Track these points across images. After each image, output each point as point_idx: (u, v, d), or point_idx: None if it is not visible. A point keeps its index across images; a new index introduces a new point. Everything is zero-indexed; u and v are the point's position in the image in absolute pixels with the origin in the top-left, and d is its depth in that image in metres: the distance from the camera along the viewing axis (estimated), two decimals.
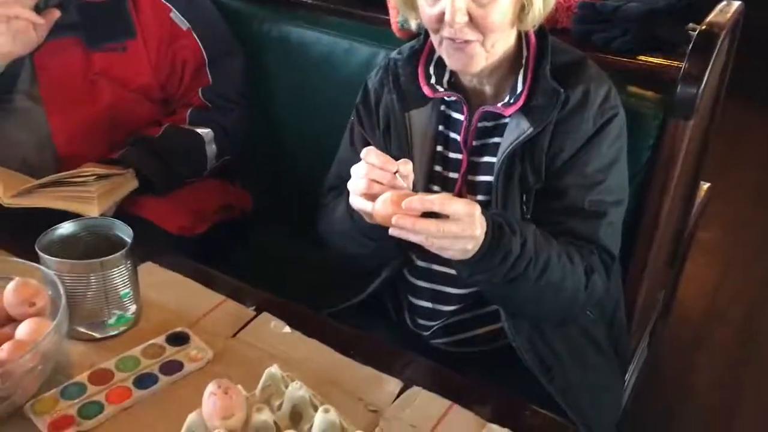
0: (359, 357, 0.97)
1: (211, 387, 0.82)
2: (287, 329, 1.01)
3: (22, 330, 0.87)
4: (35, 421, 0.85)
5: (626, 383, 1.36)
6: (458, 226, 0.86)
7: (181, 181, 1.45)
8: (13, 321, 0.90)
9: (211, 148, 1.46)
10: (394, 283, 1.22)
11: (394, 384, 0.93)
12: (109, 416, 0.87)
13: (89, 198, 1.17)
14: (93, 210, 1.16)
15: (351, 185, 0.92)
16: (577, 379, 1.10)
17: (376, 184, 0.89)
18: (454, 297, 1.16)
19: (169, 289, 1.09)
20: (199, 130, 1.44)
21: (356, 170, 0.92)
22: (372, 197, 0.89)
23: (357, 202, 0.92)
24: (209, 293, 1.08)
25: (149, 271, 1.10)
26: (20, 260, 0.95)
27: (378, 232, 0.97)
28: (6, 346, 0.83)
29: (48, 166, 1.33)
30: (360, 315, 1.21)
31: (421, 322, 1.21)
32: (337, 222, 1.10)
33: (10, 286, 0.91)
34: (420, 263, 1.17)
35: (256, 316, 1.03)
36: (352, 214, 1.00)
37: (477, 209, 0.88)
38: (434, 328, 1.20)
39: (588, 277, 1.03)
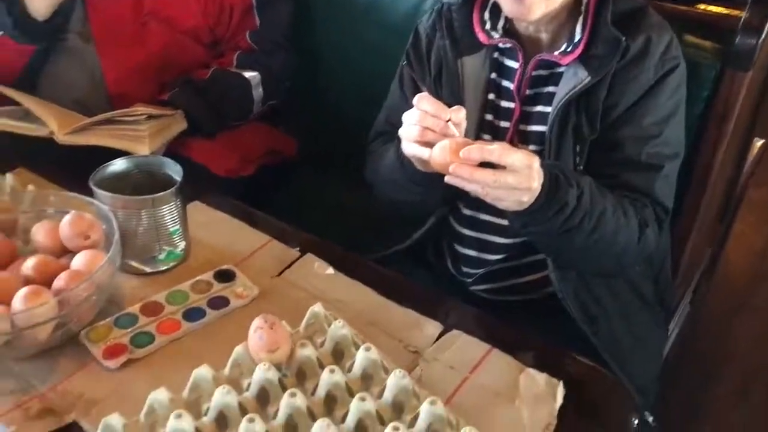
0: (400, 300, 0.98)
1: (257, 321, 0.84)
2: (330, 270, 1.03)
3: (78, 261, 0.90)
4: (90, 347, 0.89)
5: (668, 338, 1.35)
6: (515, 178, 0.86)
7: (228, 123, 1.47)
8: (69, 252, 0.94)
9: (258, 92, 1.47)
10: (437, 230, 1.22)
11: (433, 327, 0.94)
12: (159, 346, 0.90)
13: (140, 137, 1.20)
14: (144, 149, 1.18)
15: (403, 132, 0.92)
16: (621, 332, 1.10)
17: (428, 132, 0.89)
18: (501, 246, 1.17)
19: (217, 228, 1.11)
20: (246, 74, 1.45)
21: (408, 117, 0.91)
22: (425, 144, 0.89)
23: (410, 148, 0.92)
24: (255, 233, 1.10)
25: (197, 210, 1.13)
26: (76, 195, 0.98)
27: (427, 179, 0.98)
28: (63, 275, 0.86)
29: (99, 105, 1.36)
30: (401, 261, 1.22)
31: (465, 269, 1.22)
32: (386, 168, 1.11)
33: (66, 218, 0.94)
34: (466, 212, 1.17)
35: (300, 257, 1.05)
36: (402, 160, 1.00)
37: (536, 161, 0.87)
38: (477, 275, 1.20)
39: (641, 231, 1.02)
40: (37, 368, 0.86)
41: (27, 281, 0.87)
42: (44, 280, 0.87)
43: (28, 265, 0.89)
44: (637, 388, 1.07)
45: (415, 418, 0.79)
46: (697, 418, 1.73)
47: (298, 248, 1.07)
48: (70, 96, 1.38)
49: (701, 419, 1.73)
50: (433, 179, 0.97)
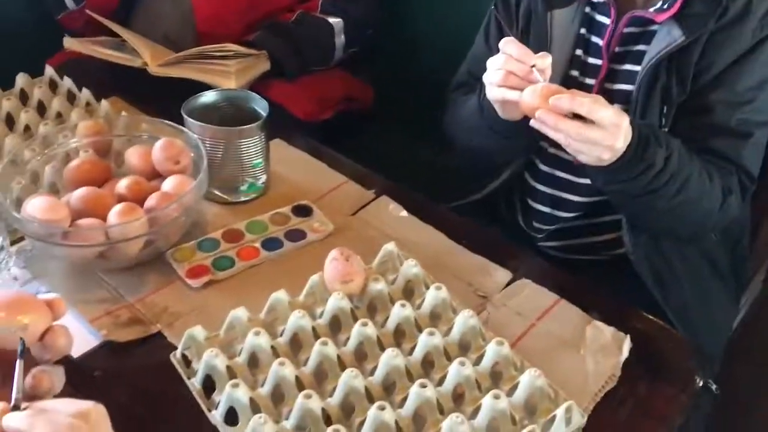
0: (471, 246, 1.00)
1: (334, 253, 0.88)
2: (404, 213, 1.05)
3: (168, 184, 0.95)
4: (175, 267, 0.94)
5: (738, 312, 1.33)
6: (600, 134, 0.85)
7: (310, 68, 1.49)
8: (159, 177, 0.99)
9: (340, 39, 1.49)
10: (511, 184, 1.23)
11: (503, 274, 0.96)
12: (238, 270, 0.94)
13: (227, 72, 1.23)
14: (230, 84, 1.22)
15: (487, 76, 0.92)
16: (691, 299, 1.09)
17: (512, 76, 0.89)
18: (575, 204, 1.16)
19: (295, 165, 1.15)
20: (330, 19, 1.47)
21: (493, 61, 0.91)
22: (509, 89, 0.89)
23: (494, 92, 0.92)
24: (332, 173, 1.13)
25: (278, 147, 1.16)
26: (167, 122, 1.02)
27: (507, 127, 0.98)
28: (154, 195, 0.91)
29: (187, 41, 1.40)
30: (471, 213, 1.23)
31: (536, 224, 1.22)
32: (466, 115, 1.11)
33: (159, 143, 0.98)
34: (543, 168, 1.17)
35: (375, 199, 1.08)
36: (483, 107, 1.01)
37: (625, 120, 0.86)
38: (548, 231, 1.21)
39: (724, 198, 1.00)
40: (126, 281, 0.92)
41: (120, 199, 0.92)
42: (136, 199, 0.92)
43: (122, 184, 0.94)
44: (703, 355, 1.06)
45: (480, 357, 0.81)
46: (759, 395, 1.70)
47: (373, 191, 1.09)
48: (160, 31, 1.43)
49: (763, 396, 1.70)
50: (512, 128, 0.98)
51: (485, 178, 1.23)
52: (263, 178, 1.06)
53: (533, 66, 0.88)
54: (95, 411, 0.48)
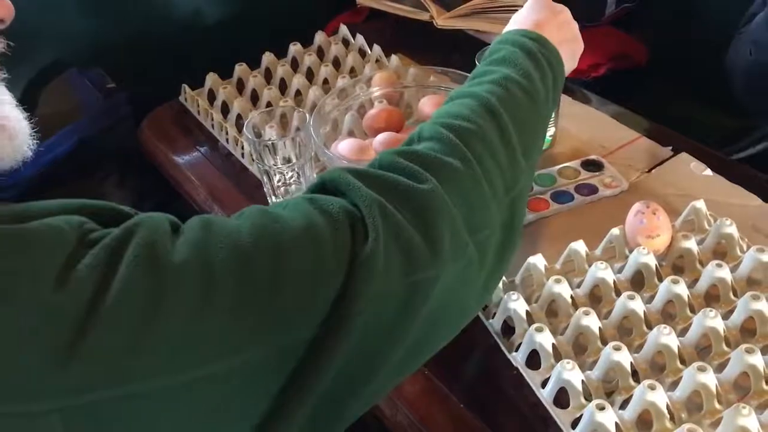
0: None
1: (638, 206, 0.83)
2: (708, 172, 0.97)
3: None
4: None
5: None
6: None
7: (579, 22, 1.42)
8: None
9: None
10: None
11: None
12: (529, 221, 0.92)
13: None
14: None
15: None
16: None
17: None
18: None
19: (582, 120, 1.10)
20: None
21: None
22: None
23: None
24: (623, 128, 1.07)
25: (563, 101, 1.12)
26: (457, 71, 1.01)
27: None
28: None
29: (458, 2, 1.41)
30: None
31: None
32: (752, 29, 1.02)
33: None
34: None
35: (673, 156, 1.00)
36: None
37: None
38: None
39: None
40: None
41: None
42: None
43: None
44: None
45: None
46: None
47: (670, 147, 1.02)
48: None
49: None
50: None
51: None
52: (552, 130, 1.03)
53: None
54: None
